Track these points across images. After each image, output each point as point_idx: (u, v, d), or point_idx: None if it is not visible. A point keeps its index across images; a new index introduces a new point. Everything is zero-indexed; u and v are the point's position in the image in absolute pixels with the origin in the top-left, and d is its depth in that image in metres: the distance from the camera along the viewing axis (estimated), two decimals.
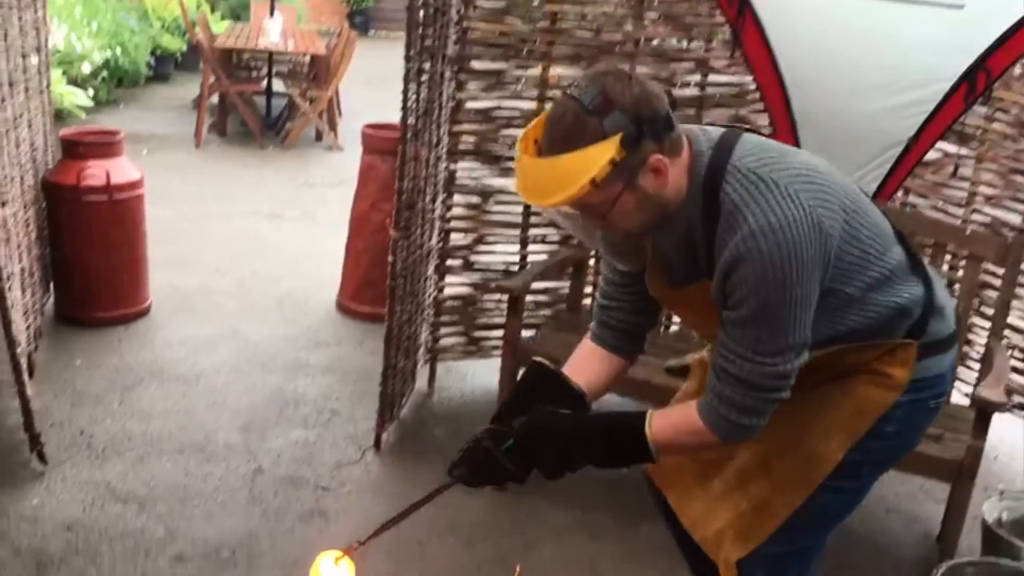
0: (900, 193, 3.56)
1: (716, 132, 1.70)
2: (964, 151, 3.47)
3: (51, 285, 4.31)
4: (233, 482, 3.11)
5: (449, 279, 3.77)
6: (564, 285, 3.73)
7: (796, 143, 3.50)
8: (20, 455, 3.13)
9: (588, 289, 3.67)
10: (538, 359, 1.95)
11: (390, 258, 3.18)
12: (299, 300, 4.72)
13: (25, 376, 3.09)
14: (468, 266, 3.76)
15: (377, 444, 3.37)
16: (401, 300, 3.29)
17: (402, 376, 3.50)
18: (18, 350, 3.09)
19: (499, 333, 3.61)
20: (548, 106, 1.61)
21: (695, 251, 1.71)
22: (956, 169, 3.51)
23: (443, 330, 3.83)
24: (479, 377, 3.98)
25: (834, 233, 1.61)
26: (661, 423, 1.74)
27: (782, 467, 1.80)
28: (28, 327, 3.64)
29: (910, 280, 1.77)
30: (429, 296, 3.73)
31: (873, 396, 1.78)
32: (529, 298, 3.82)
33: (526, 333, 3.33)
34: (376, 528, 1.88)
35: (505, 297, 3.31)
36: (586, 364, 1.96)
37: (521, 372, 2.00)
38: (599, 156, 1.55)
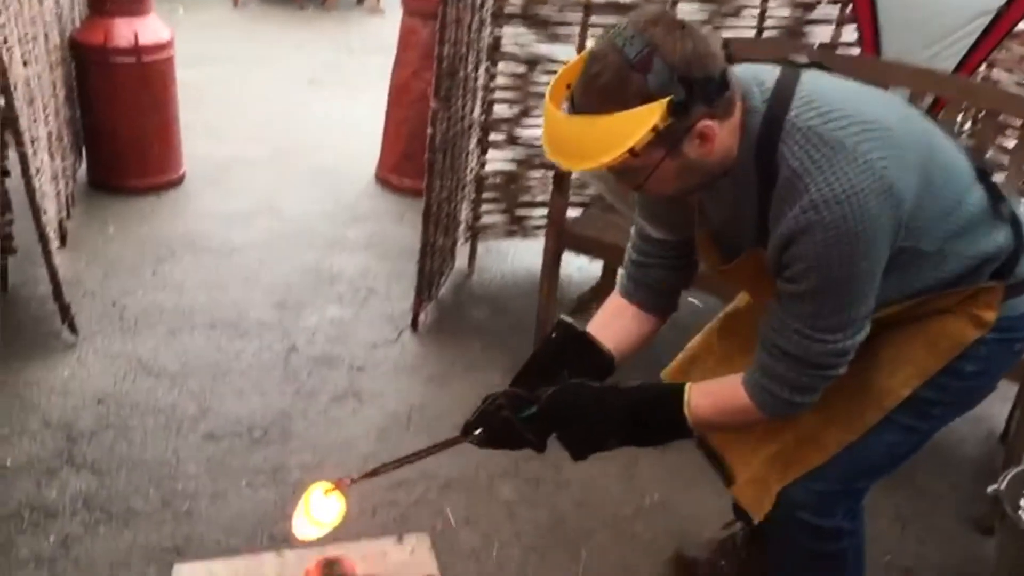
0: (983, 67, 3.26)
1: (771, 78, 1.46)
2: None
3: (83, 150, 4.19)
4: (266, 360, 3.03)
5: (492, 154, 3.57)
6: None
7: (874, 10, 3.21)
8: (51, 325, 3.07)
9: None
10: (565, 318, 1.81)
11: (429, 130, 2.99)
12: (337, 172, 4.57)
13: (53, 245, 3.00)
14: (512, 140, 3.55)
15: (414, 324, 3.26)
16: (440, 175, 3.12)
17: (441, 255, 3.35)
18: (46, 217, 2.98)
19: (543, 212, 3.44)
20: (588, 47, 1.38)
21: (745, 218, 1.51)
22: None
23: (484, 207, 3.66)
24: (520, 258, 3.83)
25: (907, 195, 1.40)
26: (701, 401, 1.60)
27: (839, 399, 1.62)
28: (59, 193, 3.53)
29: (992, 224, 1.56)
30: (470, 171, 3.54)
31: (951, 331, 1.60)
32: (575, 176, 3.63)
33: (571, 213, 3.14)
34: (373, 468, 1.81)
35: (550, 174, 3.11)
36: (615, 323, 1.80)
37: (549, 332, 1.83)
38: (641, 122, 1.34)
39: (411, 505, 2.44)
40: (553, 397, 1.61)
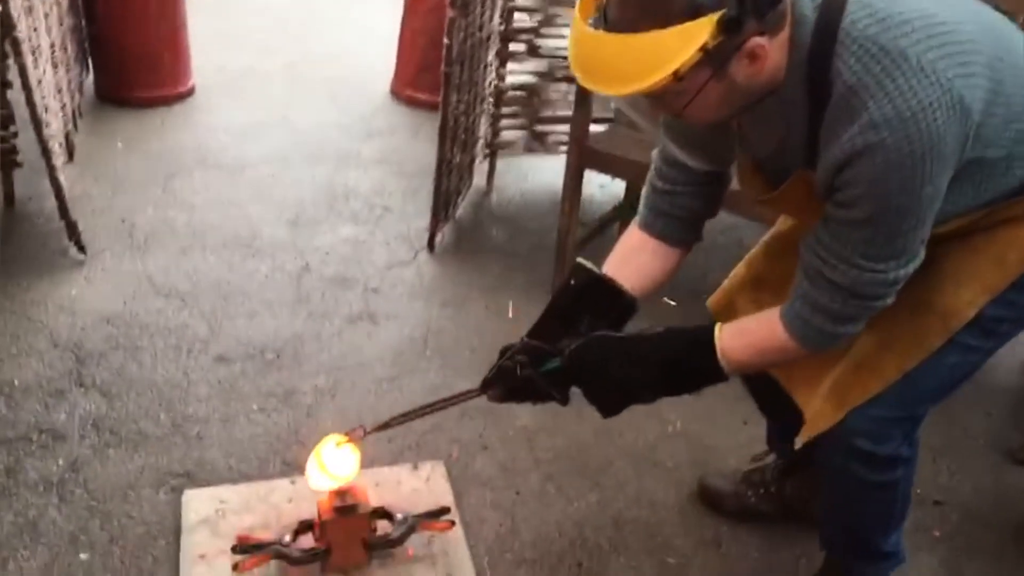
0: None
1: None
2: None
3: (89, 61, 4.06)
4: (279, 280, 2.95)
5: (512, 66, 3.42)
6: None
7: None
8: (59, 242, 2.99)
9: None
10: (582, 262, 1.70)
11: (446, 40, 2.84)
12: (352, 85, 4.43)
13: (57, 160, 2.90)
14: (533, 51, 3.39)
15: (430, 245, 3.16)
16: (457, 89, 2.97)
17: (458, 172, 3.23)
18: (49, 131, 2.88)
19: (565, 128, 3.30)
20: None
21: (793, 140, 1.37)
22: None
23: (504, 123, 3.52)
24: (541, 175, 3.71)
25: (977, 106, 1.25)
26: (735, 342, 1.49)
27: (898, 321, 1.51)
28: (64, 106, 3.42)
29: None
30: (489, 85, 3.39)
31: (1021, 242, 1.47)
32: None
33: (595, 128, 3.00)
34: (385, 421, 1.77)
35: (573, 88, 2.97)
36: (635, 260, 1.68)
37: (565, 277, 1.72)
38: (687, 40, 1.18)
39: (427, 432, 2.37)
40: (577, 353, 1.52)
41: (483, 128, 3.46)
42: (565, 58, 3.36)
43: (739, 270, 1.85)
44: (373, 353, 2.66)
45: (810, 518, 2.08)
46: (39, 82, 2.88)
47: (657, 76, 1.20)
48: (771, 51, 1.26)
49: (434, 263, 3.11)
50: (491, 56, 3.32)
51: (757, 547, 2.11)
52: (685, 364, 1.51)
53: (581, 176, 2.87)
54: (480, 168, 3.56)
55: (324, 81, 4.44)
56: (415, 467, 2.21)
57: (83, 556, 1.96)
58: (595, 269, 1.67)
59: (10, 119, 3.06)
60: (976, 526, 2.24)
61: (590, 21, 1.27)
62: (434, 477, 2.19)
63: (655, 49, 1.19)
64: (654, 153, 1.67)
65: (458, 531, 2.02)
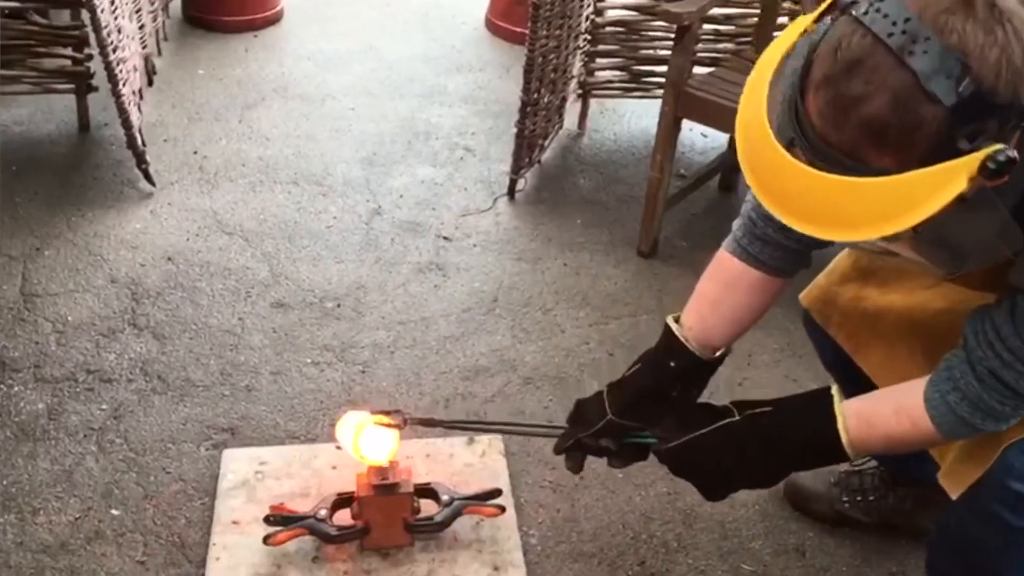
0: None
1: None
2: None
3: None
4: (348, 222, 2.78)
5: None
6: (753, 14, 3.02)
7: None
8: (129, 172, 2.89)
9: (783, 20, 2.92)
10: (675, 332, 1.46)
11: None
12: (445, 14, 4.20)
13: (125, 88, 2.77)
14: None
15: (511, 192, 2.94)
16: (548, 23, 2.71)
17: (546, 114, 2.98)
18: (119, 54, 2.75)
19: (665, 69, 3.00)
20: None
21: (981, 227, 1.03)
22: None
23: (599, 61, 3.24)
24: (637, 119, 3.43)
25: None
26: (865, 433, 1.27)
27: None
28: (142, 27, 3.29)
29: None
30: (584, 19, 3.11)
31: None
32: (707, 26, 3.17)
33: (699, 70, 2.70)
34: (433, 418, 1.71)
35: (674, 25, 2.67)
36: (731, 300, 1.45)
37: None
38: (939, 190, 0.86)
39: (487, 400, 2.19)
40: (681, 452, 1.37)
41: (576, 66, 3.19)
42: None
43: (840, 262, 1.59)
44: (438, 308, 2.47)
45: (911, 532, 1.83)
46: (111, 1, 2.75)
47: (891, 229, 0.90)
48: None
49: (513, 212, 2.89)
50: None
51: (846, 560, 1.87)
52: (804, 456, 1.33)
53: (677, 126, 2.60)
54: (572, 108, 3.29)
55: (417, 9, 4.21)
56: (471, 440, 2.04)
57: (115, 512, 1.86)
58: (696, 351, 1.45)
59: (84, 41, 2.95)
60: None
61: (778, 126, 0.95)
62: (490, 452, 2.01)
63: (893, 199, 0.88)
64: None
65: (510, 516, 1.84)
